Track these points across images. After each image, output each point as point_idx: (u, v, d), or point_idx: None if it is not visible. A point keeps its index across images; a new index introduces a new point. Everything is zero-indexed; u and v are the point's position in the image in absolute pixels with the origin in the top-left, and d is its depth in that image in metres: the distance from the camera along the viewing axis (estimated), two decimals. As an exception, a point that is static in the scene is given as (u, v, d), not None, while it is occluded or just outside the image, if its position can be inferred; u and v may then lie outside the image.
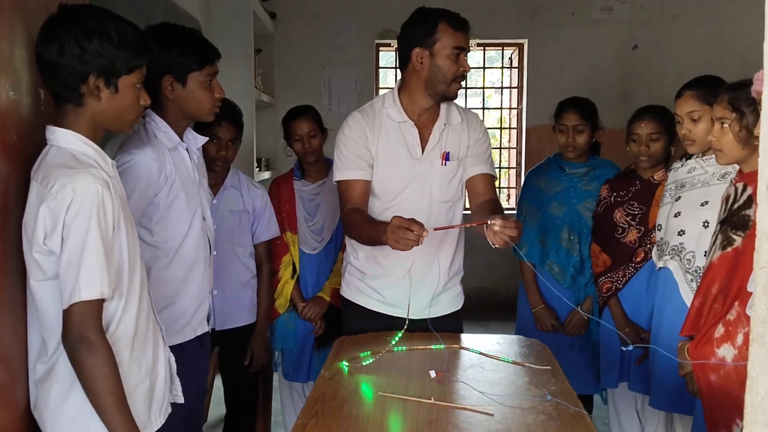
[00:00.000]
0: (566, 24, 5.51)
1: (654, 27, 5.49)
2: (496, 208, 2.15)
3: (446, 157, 2.23)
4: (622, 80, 5.50)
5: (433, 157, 2.23)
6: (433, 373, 1.90)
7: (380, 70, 5.84)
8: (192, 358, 1.96)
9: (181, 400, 1.70)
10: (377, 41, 5.57)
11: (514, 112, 5.92)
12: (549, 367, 1.98)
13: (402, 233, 1.81)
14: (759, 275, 0.80)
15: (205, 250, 2.01)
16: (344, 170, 2.22)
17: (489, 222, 1.82)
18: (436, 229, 1.97)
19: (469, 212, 2.30)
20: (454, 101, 2.30)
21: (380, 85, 5.83)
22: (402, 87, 2.25)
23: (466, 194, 2.35)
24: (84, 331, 1.36)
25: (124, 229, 1.46)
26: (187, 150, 1.97)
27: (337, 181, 2.25)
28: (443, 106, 2.26)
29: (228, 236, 2.58)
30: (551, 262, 2.79)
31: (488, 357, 2.06)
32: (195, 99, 1.91)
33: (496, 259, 5.43)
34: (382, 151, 2.22)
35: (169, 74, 1.86)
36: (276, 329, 2.88)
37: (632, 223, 2.58)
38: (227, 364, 2.73)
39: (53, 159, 1.42)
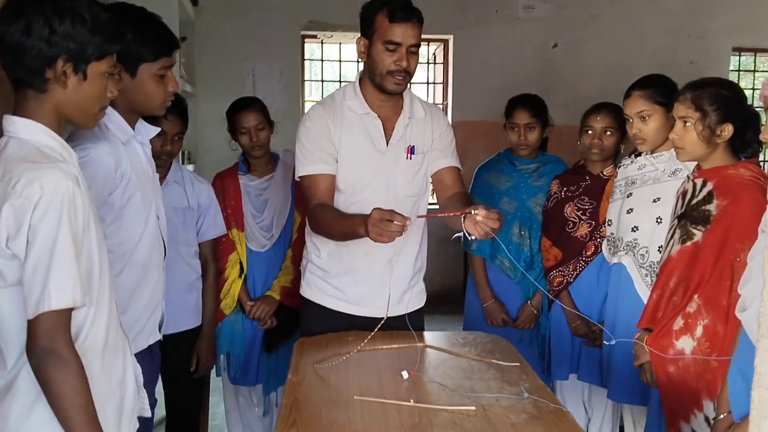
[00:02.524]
0: (491, 21, 5.57)
1: (574, 26, 5.65)
2: (466, 200, 2.13)
3: (411, 150, 2.18)
4: (542, 78, 5.59)
5: (397, 151, 2.18)
6: (405, 374, 1.86)
7: (306, 62, 5.72)
8: (143, 370, 1.82)
9: (148, 413, 1.58)
10: (303, 32, 5.44)
11: (440, 107, 5.95)
12: (518, 364, 1.98)
13: (385, 225, 1.75)
14: None
15: (159, 252, 1.87)
16: (308, 165, 2.13)
17: (472, 212, 1.79)
18: (419, 217, 1.95)
19: (433, 206, 2.27)
20: (417, 95, 2.26)
21: (306, 78, 5.71)
22: (362, 78, 2.19)
23: (431, 188, 2.32)
24: (52, 343, 1.23)
25: (94, 229, 1.33)
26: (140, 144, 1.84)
27: (301, 177, 2.15)
28: (406, 100, 2.21)
29: (171, 235, 2.38)
30: (501, 257, 2.80)
31: (465, 357, 2.03)
32: (145, 92, 1.77)
33: (438, 254, 5.43)
34: (345, 144, 2.14)
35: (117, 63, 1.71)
36: (222, 331, 2.73)
37: (583, 217, 2.62)
38: (170, 370, 2.54)
39: (14, 152, 1.27)
